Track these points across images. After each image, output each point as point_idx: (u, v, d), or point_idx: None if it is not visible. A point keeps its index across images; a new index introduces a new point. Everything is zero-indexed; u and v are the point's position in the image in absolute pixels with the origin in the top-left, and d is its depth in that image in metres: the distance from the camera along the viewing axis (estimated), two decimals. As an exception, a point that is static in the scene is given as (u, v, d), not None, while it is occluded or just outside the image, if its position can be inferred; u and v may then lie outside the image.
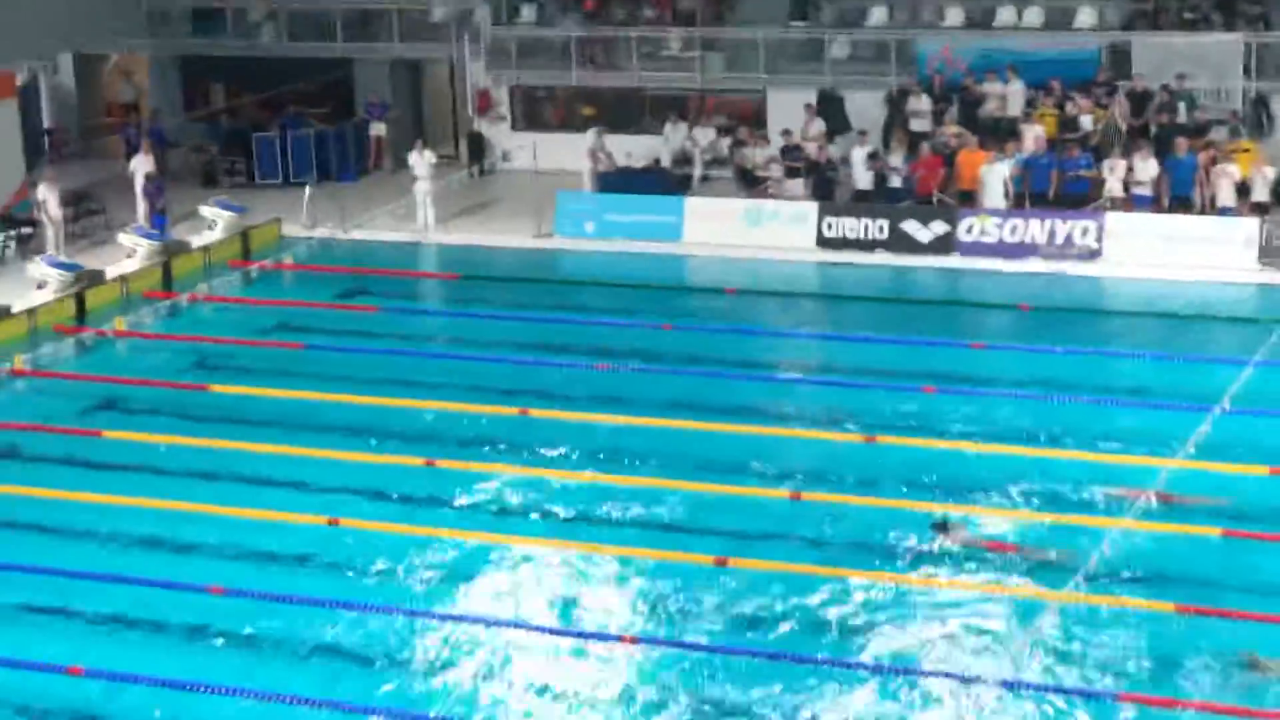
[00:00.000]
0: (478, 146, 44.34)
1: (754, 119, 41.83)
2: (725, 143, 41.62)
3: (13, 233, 38.24)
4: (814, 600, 22.30)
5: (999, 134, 38.07)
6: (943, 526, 23.73)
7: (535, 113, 44.72)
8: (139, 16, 45.45)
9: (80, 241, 38.79)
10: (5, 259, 37.52)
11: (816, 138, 39.12)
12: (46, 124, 47.23)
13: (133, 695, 20.74)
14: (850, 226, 37.15)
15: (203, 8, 47.52)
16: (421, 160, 39.77)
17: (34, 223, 38.32)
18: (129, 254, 37.08)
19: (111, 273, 36.23)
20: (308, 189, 40.36)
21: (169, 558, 24.31)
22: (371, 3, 45.97)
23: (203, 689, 20.57)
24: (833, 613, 22.08)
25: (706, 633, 21.79)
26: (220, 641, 22.06)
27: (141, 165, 39.69)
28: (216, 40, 46.80)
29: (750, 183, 39.66)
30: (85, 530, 25.18)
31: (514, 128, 44.38)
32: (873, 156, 38.35)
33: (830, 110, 40.19)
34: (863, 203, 37.90)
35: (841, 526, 24.29)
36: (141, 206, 39.28)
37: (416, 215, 39.66)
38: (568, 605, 22.71)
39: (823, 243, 37.24)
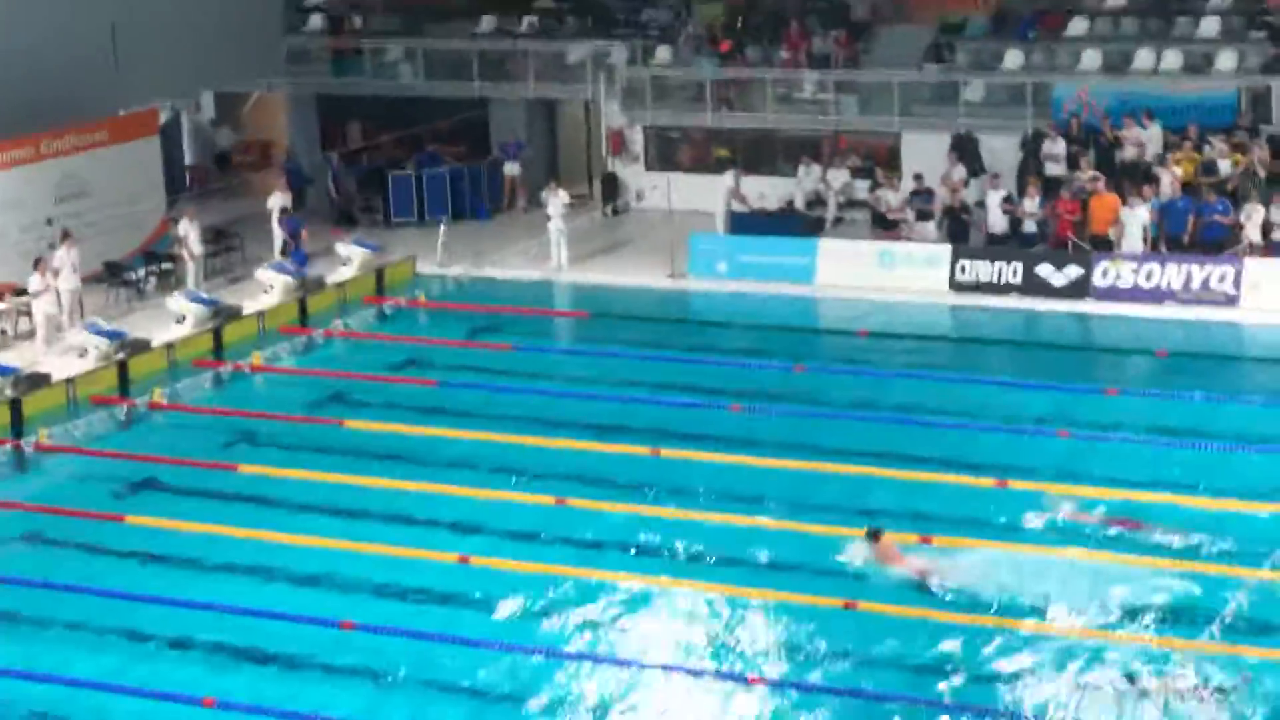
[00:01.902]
0: (611, 186, 44.49)
1: (888, 161, 41.71)
2: (859, 185, 41.54)
3: (153, 267, 38.75)
4: (942, 646, 22.15)
5: (1135, 178, 37.76)
6: (874, 534, 24.23)
7: (669, 153, 44.80)
8: (279, 56, 45.97)
9: (219, 277, 39.25)
10: (145, 293, 38.01)
11: (956, 183, 38.94)
12: (187, 160, 47.89)
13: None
14: (984, 270, 36.96)
15: (341, 47, 48.04)
16: (555, 200, 39.96)
17: (174, 258, 38.82)
18: (266, 290, 37.48)
19: (249, 308, 36.63)
20: (442, 227, 40.63)
21: (302, 591, 24.53)
22: (508, 43, 46.28)
23: (334, 723, 20.77)
24: (961, 657, 21.93)
25: (834, 676, 21.71)
26: (351, 676, 22.21)
27: (278, 201, 40.14)
28: (354, 79, 47.25)
29: (884, 225, 39.56)
30: (221, 563, 25.46)
31: (648, 168, 44.47)
32: (1007, 200, 38.16)
33: (965, 153, 40.03)
34: (997, 246, 37.70)
35: (970, 571, 24.08)
36: (278, 242, 39.70)
37: (550, 254, 39.84)
38: (695, 645, 22.69)
39: (956, 286, 37.07)
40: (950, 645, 22.17)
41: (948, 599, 23.33)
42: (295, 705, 21.21)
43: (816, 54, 43.57)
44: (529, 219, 42.67)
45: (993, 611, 22.99)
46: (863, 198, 41.14)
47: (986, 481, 26.95)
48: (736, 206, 40.26)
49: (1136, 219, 36.38)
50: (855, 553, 24.31)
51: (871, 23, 44.82)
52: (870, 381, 32.19)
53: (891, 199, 39.76)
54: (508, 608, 23.78)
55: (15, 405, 31.44)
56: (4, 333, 35.39)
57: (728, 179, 40.57)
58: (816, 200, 41.52)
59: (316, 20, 49.28)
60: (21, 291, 35.43)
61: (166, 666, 22.59)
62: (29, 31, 37.53)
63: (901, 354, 33.98)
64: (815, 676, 21.74)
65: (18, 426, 31.01)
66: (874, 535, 24.30)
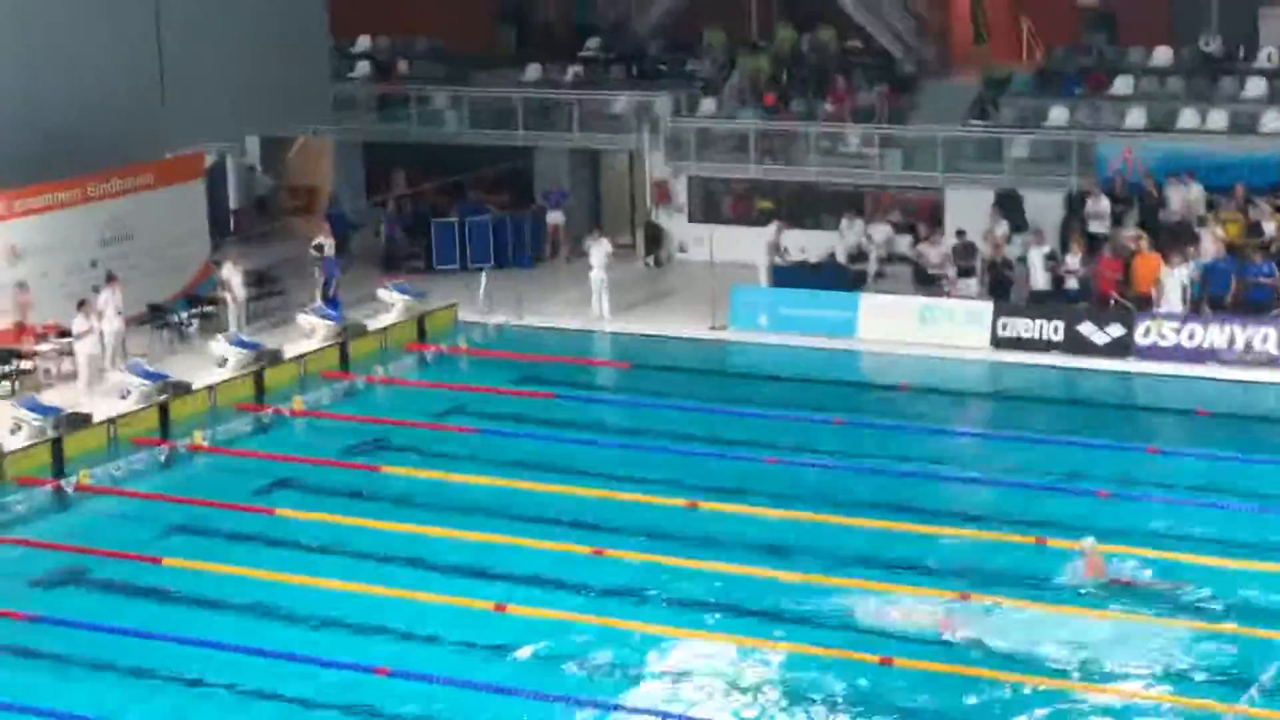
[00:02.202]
0: (655, 237, 44.54)
1: (931, 216, 41.69)
2: (901, 240, 41.53)
3: (196, 310, 38.90)
4: (981, 701, 22.06)
5: (1180, 238, 37.67)
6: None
7: (712, 205, 44.83)
8: (325, 101, 46.17)
9: (261, 320, 39.38)
10: (188, 336, 38.15)
11: (999, 239, 38.89)
12: (232, 204, 48.09)
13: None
14: (1025, 327, 36.88)
15: (387, 94, 48.26)
16: (598, 249, 40.03)
17: (216, 301, 38.96)
18: (308, 334, 37.59)
19: (290, 352, 36.74)
20: (484, 275, 40.73)
21: (337, 637, 24.54)
22: (553, 92, 46.44)
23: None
24: (994, 714, 21.84)
25: None
26: (386, 723, 22.28)
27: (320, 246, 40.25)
28: (400, 126, 47.44)
29: (925, 280, 39.52)
30: (257, 606, 25.49)
31: (691, 219, 44.52)
32: (1050, 257, 38.10)
33: (1008, 209, 39.98)
34: (1039, 303, 37.62)
35: (1008, 630, 24.00)
36: (320, 284, 39.80)
37: (592, 304, 39.89)
38: (727, 698, 22.64)
39: (997, 342, 37.00)
40: (978, 699, 22.10)
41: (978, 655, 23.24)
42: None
43: (861, 108, 43.61)
44: (571, 268, 42.73)
45: (1027, 669, 22.90)
46: (905, 252, 41.11)
47: (1025, 539, 26.85)
48: (777, 260, 40.27)
49: (1176, 279, 36.30)
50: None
51: (916, 77, 44.87)
52: (909, 437, 32.13)
53: (934, 254, 39.72)
54: (543, 655, 23.76)
55: (57, 445, 31.58)
56: (47, 373, 35.53)
57: (770, 232, 40.59)
58: (859, 254, 41.49)
59: (364, 67, 49.52)
60: (65, 333, 35.60)
61: (203, 709, 22.60)
62: (77, 75, 37.76)
63: (941, 409, 33.93)
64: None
65: (59, 466, 31.14)
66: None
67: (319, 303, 38.77)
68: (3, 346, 35.22)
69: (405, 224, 45.32)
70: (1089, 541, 25.62)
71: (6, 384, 34.69)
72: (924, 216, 41.84)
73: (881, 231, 41.77)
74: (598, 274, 39.87)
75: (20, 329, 35.48)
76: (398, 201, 45.85)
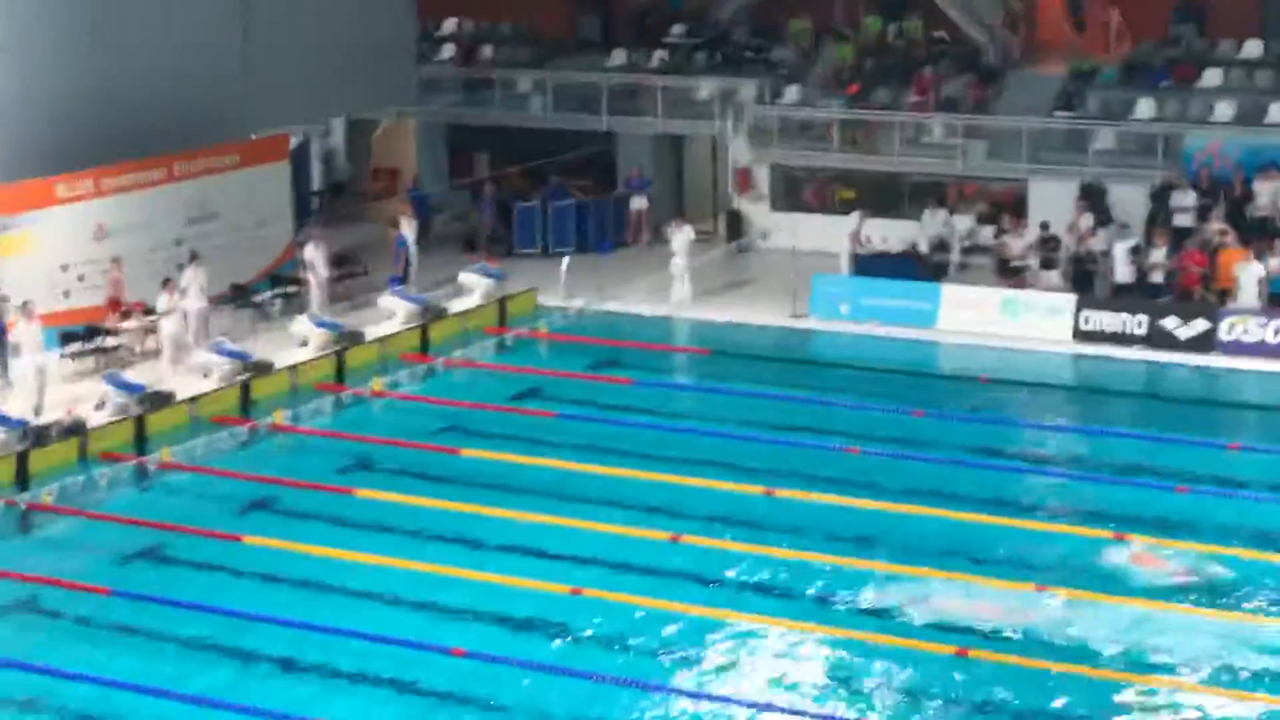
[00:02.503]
0: (736, 224, 44.52)
1: (1014, 208, 41.49)
2: (984, 231, 41.36)
3: (279, 290, 39.12)
4: (1056, 701, 21.99)
5: (1267, 233, 37.36)
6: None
7: (794, 193, 44.78)
8: (411, 84, 46.33)
9: (343, 302, 39.56)
10: (270, 316, 38.37)
11: (1083, 231, 38.67)
12: (315, 186, 48.34)
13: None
14: (1108, 321, 36.67)
15: (472, 78, 48.38)
16: (680, 235, 40.02)
17: (299, 281, 39.17)
18: (389, 316, 37.74)
19: (371, 334, 36.91)
20: (566, 259, 40.81)
21: (414, 616, 24.67)
22: (637, 77, 46.46)
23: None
24: (1073, 708, 21.75)
25: (945, 724, 21.70)
26: (460, 704, 22.30)
27: (405, 229, 40.41)
28: (484, 110, 47.56)
29: (1008, 272, 39.35)
30: (335, 586, 25.64)
31: (773, 207, 44.48)
32: (1135, 251, 37.86)
33: (1093, 202, 39.77)
34: (1122, 297, 37.41)
35: (1085, 624, 23.90)
36: (402, 267, 40.01)
37: (672, 290, 39.89)
38: (802, 685, 22.63)
39: (1079, 335, 36.80)
40: (1062, 699, 22.01)
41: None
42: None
43: (945, 98, 43.45)
44: (653, 254, 42.74)
45: (1104, 665, 22.81)
46: (987, 244, 40.94)
47: (1103, 534, 26.72)
48: (858, 249, 40.15)
49: (1252, 274, 36.02)
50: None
51: (1002, 68, 44.67)
52: (989, 429, 32.01)
53: (1016, 246, 39.54)
54: (617, 641, 23.81)
55: (140, 422, 31.86)
56: (132, 350, 35.82)
57: (852, 221, 40.49)
58: (940, 245, 41.35)
59: (448, 50, 49.64)
60: (150, 310, 35.88)
61: (278, 686, 22.77)
62: (165, 56, 38.02)
63: (1021, 402, 33.78)
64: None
65: (142, 443, 31.42)
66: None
67: (400, 285, 38.93)
68: (89, 323, 35.51)
69: (490, 208, 45.44)
70: (1139, 542, 25.77)
71: (92, 360, 35.00)
72: (1007, 208, 41.64)
73: (964, 222, 41.63)
74: (679, 260, 39.87)
75: (114, 305, 35.72)
76: (495, 185, 45.78)
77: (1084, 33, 46.45)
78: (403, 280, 39.13)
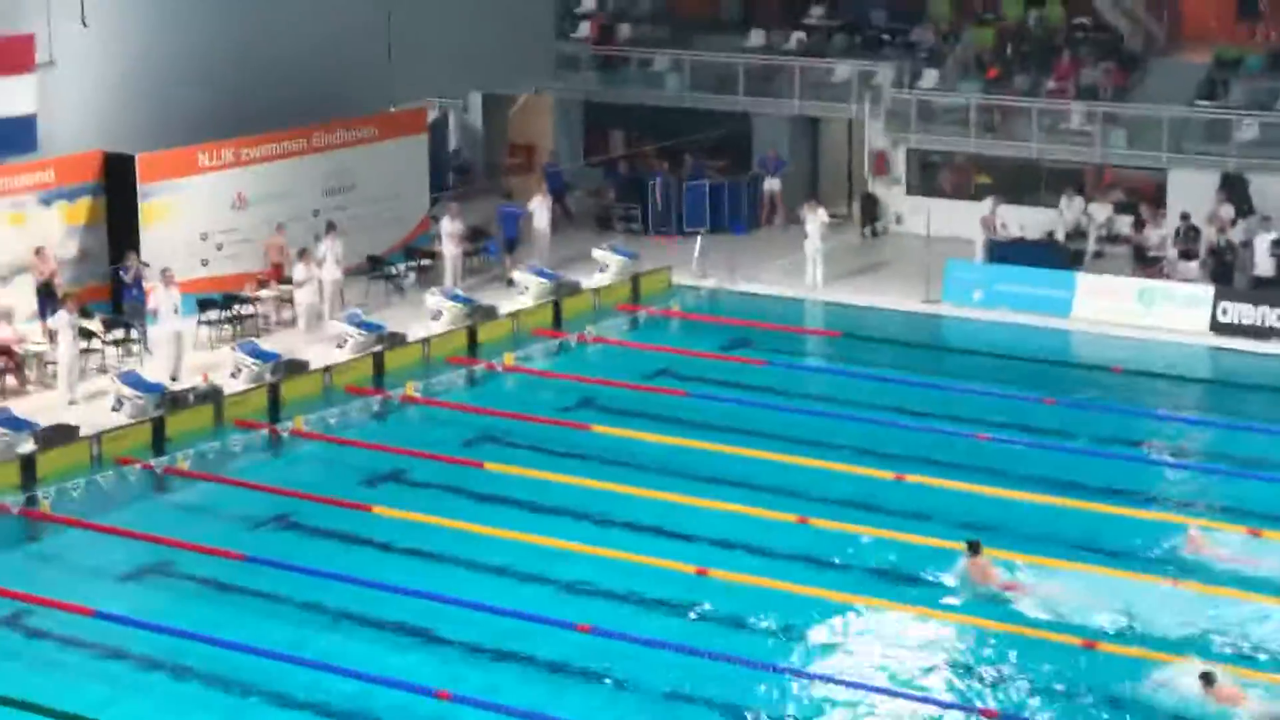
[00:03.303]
0: (871, 208, 44.32)
1: (1153, 197, 41.07)
2: (1122, 220, 40.96)
3: (413, 263, 39.38)
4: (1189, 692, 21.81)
5: None
6: (974, 548, 24.46)
7: (930, 177, 44.53)
8: (548, 60, 46.47)
9: (476, 276, 39.76)
10: (404, 288, 38.63)
11: (1223, 222, 38.21)
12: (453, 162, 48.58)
13: (497, 724, 21.25)
14: (1247, 313, 36.22)
15: (609, 55, 48.44)
16: (814, 218, 39.91)
17: (434, 255, 39.40)
18: (522, 291, 37.90)
19: (504, 308, 37.07)
20: (700, 239, 40.80)
21: (540, 591, 24.79)
22: (775, 58, 46.36)
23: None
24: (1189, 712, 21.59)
25: (1066, 712, 21.47)
26: (585, 680, 22.39)
27: (540, 206, 40.56)
28: (621, 87, 47.62)
29: (1145, 262, 38.96)
30: (462, 558, 25.81)
31: (908, 191, 44.25)
32: (1276, 244, 37.36)
33: (1234, 193, 39.28)
34: (1262, 289, 36.92)
35: (1219, 619, 23.67)
36: (536, 247, 40.14)
37: (805, 272, 39.79)
38: (928, 671, 22.56)
39: (1217, 328, 36.37)
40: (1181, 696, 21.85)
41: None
42: (528, 704, 21.44)
43: (1085, 84, 43.03)
44: (786, 236, 42.64)
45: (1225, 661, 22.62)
46: (1125, 233, 40.56)
47: (1239, 529, 26.44)
48: (993, 236, 39.87)
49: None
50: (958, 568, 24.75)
51: (1144, 55, 44.18)
52: (1122, 419, 31.71)
53: (1155, 236, 39.13)
54: (743, 622, 23.82)
55: (274, 390, 32.19)
56: (267, 319, 36.19)
57: (986, 207, 40.21)
58: (1077, 233, 41.00)
59: (586, 27, 49.73)
60: (286, 280, 36.23)
61: (403, 657, 22.94)
62: (308, 28, 38.38)
63: (1156, 394, 33.44)
64: (1049, 713, 21.53)
65: (275, 411, 31.74)
66: (973, 548, 24.72)
67: (534, 262, 39.11)
68: (226, 291, 35.91)
69: (618, 184, 45.49)
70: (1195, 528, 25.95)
71: (228, 328, 35.40)
72: (1146, 197, 41.20)
73: (1102, 211, 41.25)
74: (812, 242, 39.76)
75: (277, 270, 36.00)
76: (674, 166, 45.66)
77: (1260, 20, 45.41)
78: (509, 249, 39.34)
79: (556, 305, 37.62)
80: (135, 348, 33.90)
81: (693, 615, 24.09)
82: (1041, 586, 24.30)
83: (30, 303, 33.81)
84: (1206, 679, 21.68)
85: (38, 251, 33.94)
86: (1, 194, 33.89)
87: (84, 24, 35.21)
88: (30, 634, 23.81)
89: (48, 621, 23.92)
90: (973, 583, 24.62)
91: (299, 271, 35.34)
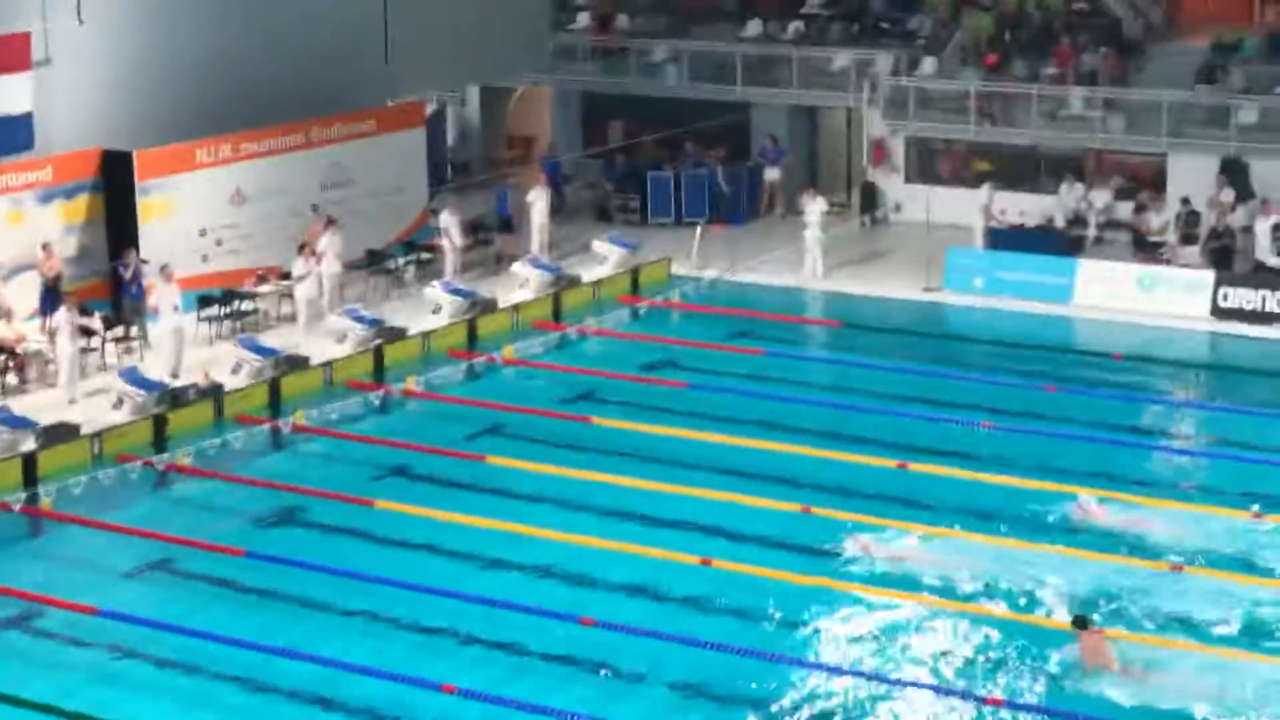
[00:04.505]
0: (870, 196, 44.27)
1: (1153, 182, 41.01)
2: (1121, 205, 40.91)
3: (413, 257, 39.33)
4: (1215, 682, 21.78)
5: None
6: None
7: (929, 165, 44.49)
8: (546, 52, 46.43)
9: (476, 269, 39.72)
10: (404, 282, 38.59)
11: (1223, 206, 38.16)
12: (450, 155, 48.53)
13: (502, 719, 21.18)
14: (1248, 298, 36.19)
15: (607, 46, 48.38)
16: (812, 207, 39.86)
17: (433, 248, 39.36)
18: (521, 284, 37.86)
19: (504, 301, 37.03)
20: (699, 229, 40.77)
21: (542, 584, 24.75)
22: (772, 47, 46.30)
23: (570, 717, 20.88)
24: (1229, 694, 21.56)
25: (1065, 698, 21.49)
26: (587, 672, 22.36)
27: (538, 198, 40.52)
28: (619, 78, 47.56)
29: (1145, 247, 38.91)
30: (464, 552, 25.78)
31: (907, 179, 44.21)
32: (1277, 228, 37.30)
33: (1234, 177, 39.23)
34: (1263, 274, 36.88)
35: (1229, 606, 23.62)
36: (535, 237, 40.10)
37: (805, 261, 39.74)
38: (927, 659, 22.53)
39: (1218, 313, 36.34)
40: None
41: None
42: (532, 697, 21.41)
43: (1084, 70, 42.97)
44: (786, 225, 42.60)
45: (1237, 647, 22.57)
46: (1125, 219, 40.52)
47: (1242, 514, 26.40)
48: (992, 222, 39.82)
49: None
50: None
51: (1143, 41, 44.11)
52: (1123, 405, 31.69)
53: (1155, 221, 39.09)
54: (745, 612, 23.78)
55: (275, 386, 32.16)
56: (266, 314, 36.15)
57: (982, 193, 40.17)
58: (1077, 219, 40.96)
59: (583, 18, 49.67)
60: (285, 275, 36.20)
61: (406, 651, 22.91)
62: (304, 22, 38.32)
63: (1157, 379, 33.42)
64: (1051, 699, 21.52)
65: (276, 406, 31.71)
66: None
67: (534, 253, 39.07)
68: (225, 287, 35.87)
69: (615, 176, 45.44)
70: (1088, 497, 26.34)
71: (227, 324, 35.36)
72: (1146, 182, 41.18)
73: (1102, 197, 41.20)
74: (811, 232, 39.72)
75: (310, 251, 35.94)
76: (672, 156, 45.63)
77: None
78: (505, 229, 40.12)
79: (556, 297, 37.59)
80: (135, 345, 33.87)
81: (696, 606, 24.04)
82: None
83: (30, 301, 33.76)
84: (1079, 622, 21.89)
85: (44, 248, 33.88)
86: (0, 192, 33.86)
87: (80, 21, 35.13)
88: (32, 633, 23.76)
89: (50, 620, 23.88)
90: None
91: (299, 266, 35.29)
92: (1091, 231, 40.67)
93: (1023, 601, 23.86)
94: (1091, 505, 26.25)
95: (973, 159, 43.88)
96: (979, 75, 43.69)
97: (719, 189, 43.94)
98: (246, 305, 35.82)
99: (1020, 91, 42.77)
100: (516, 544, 25.84)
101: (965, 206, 40.48)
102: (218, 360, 33.02)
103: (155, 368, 32.51)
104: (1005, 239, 39.58)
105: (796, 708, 21.51)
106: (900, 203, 43.82)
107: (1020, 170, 42.95)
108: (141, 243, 34.77)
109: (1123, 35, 44.22)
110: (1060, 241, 39.75)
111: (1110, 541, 25.48)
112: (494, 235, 40.74)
